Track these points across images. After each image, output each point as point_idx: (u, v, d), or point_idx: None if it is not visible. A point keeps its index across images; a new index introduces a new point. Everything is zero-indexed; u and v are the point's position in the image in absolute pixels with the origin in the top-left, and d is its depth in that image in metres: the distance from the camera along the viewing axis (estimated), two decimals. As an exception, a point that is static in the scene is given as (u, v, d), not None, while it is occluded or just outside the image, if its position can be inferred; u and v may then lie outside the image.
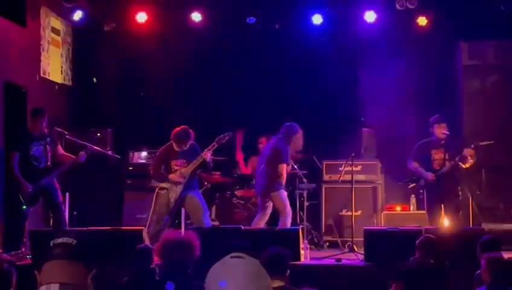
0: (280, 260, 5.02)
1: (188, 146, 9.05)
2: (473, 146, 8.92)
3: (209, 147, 8.92)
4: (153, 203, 9.06)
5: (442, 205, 9.01)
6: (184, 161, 9.00)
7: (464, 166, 9.01)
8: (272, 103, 11.67)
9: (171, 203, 8.95)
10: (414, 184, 9.46)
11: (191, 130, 9.02)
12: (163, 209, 8.98)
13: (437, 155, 9.13)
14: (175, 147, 9.09)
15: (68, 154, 9.05)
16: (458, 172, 9.17)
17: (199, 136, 9.25)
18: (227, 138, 9.00)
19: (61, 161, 9.01)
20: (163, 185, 9.03)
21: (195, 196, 9.07)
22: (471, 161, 8.93)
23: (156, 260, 5.49)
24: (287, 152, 9.15)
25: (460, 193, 9.27)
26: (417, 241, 6.50)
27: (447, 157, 9.05)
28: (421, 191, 9.42)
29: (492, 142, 9.21)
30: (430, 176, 9.03)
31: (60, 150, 9.06)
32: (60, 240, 3.57)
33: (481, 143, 9.00)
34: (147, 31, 11.79)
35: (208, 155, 8.89)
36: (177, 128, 9.05)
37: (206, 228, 8.59)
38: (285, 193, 9.19)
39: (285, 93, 11.79)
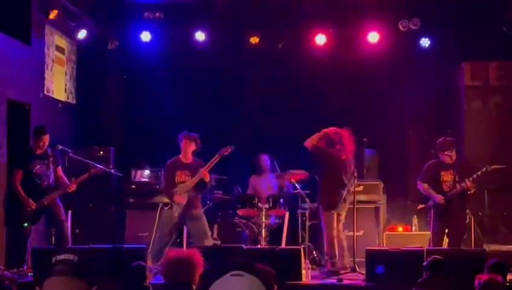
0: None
1: (193, 159, 9.14)
2: (484, 169, 8.83)
3: (212, 160, 8.99)
4: (157, 219, 9.10)
5: (448, 227, 8.97)
6: (189, 172, 9.06)
7: (469, 192, 8.96)
8: (274, 122, 11.68)
9: (175, 218, 8.97)
10: (423, 205, 9.36)
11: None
12: (167, 226, 9.01)
13: (447, 177, 9.03)
14: (182, 160, 9.15)
15: (64, 178, 9.06)
16: (467, 194, 9.05)
17: (201, 154, 9.29)
18: (229, 150, 9.06)
19: (57, 183, 9.01)
20: (166, 200, 9.07)
21: (199, 218, 9.09)
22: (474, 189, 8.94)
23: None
24: None
25: (467, 216, 9.16)
26: (426, 262, 6.42)
27: (456, 179, 8.98)
28: (429, 211, 9.32)
29: (504, 166, 9.11)
30: (439, 198, 8.95)
31: (59, 171, 9.07)
32: (61, 257, 3.57)
33: (494, 167, 8.92)
34: (150, 50, 11.85)
35: (207, 171, 8.95)
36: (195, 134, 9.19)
37: (208, 247, 8.60)
38: None
39: (287, 112, 11.81)
